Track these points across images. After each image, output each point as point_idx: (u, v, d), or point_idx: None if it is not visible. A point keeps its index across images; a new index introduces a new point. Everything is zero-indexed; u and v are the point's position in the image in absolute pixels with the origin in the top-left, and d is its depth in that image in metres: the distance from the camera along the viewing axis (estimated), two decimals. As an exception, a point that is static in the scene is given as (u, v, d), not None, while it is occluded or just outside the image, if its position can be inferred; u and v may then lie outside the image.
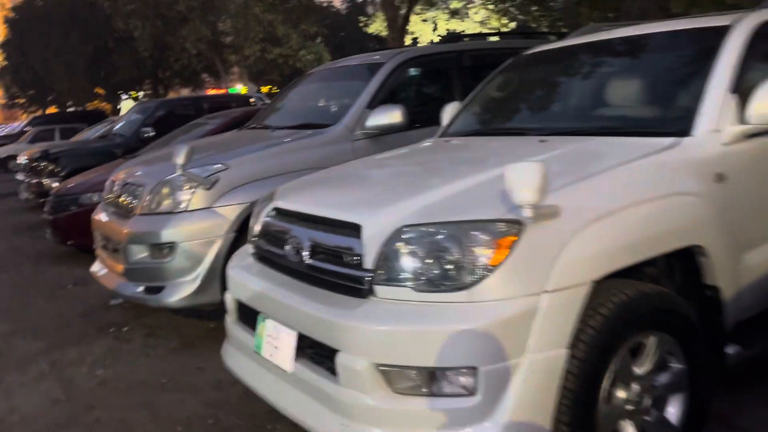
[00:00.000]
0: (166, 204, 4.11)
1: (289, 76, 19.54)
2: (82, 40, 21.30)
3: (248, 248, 3.04)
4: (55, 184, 8.96)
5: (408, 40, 11.59)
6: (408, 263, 2.13)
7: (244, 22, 16.97)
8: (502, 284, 1.98)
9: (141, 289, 4.17)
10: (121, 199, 4.48)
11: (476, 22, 14.22)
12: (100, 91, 28.45)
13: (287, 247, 2.60)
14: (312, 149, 4.45)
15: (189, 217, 4.01)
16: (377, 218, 2.26)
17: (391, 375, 2.06)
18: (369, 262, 2.20)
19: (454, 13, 14.82)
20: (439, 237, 2.11)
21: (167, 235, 3.99)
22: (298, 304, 2.37)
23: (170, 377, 3.79)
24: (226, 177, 4.10)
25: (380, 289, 2.16)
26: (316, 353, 2.31)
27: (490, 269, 1.99)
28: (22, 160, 10.33)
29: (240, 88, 18.06)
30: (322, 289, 2.38)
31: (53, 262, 7.21)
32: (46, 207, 7.28)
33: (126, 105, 36.11)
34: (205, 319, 4.60)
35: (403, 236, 2.16)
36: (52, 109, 32.61)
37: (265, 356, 2.54)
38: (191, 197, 4.03)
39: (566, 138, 2.84)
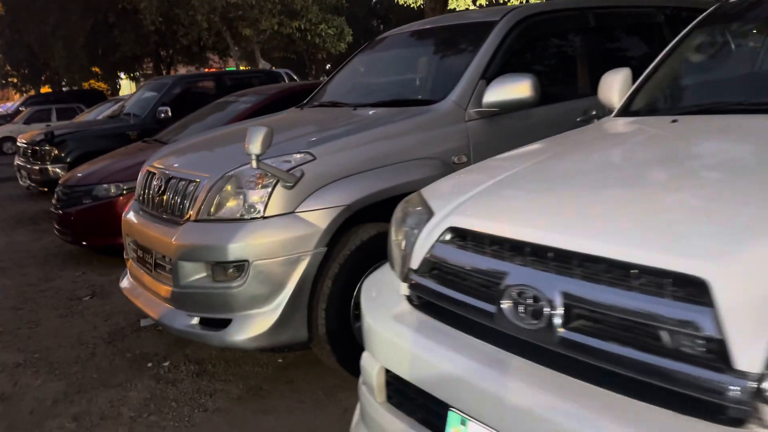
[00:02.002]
0: (233, 207, 3.03)
1: (306, 53, 18.48)
2: (82, 13, 19.93)
3: (396, 285, 1.98)
4: (61, 172, 7.88)
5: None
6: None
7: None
8: None
9: (196, 321, 3.10)
10: (164, 198, 3.38)
11: None
12: (96, 70, 27.10)
13: (505, 304, 1.53)
14: (416, 133, 3.36)
15: (265, 226, 2.93)
16: (747, 270, 1.19)
17: None
18: (743, 356, 1.14)
19: None
20: None
21: (236, 250, 2.91)
22: (572, 421, 1.30)
23: (246, 449, 2.75)
24: (313, 171, 3.02)
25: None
26: None
27: None
28: (21, 142, 9.20)
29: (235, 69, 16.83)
30: (600, 386, 1.31)
31: (63, 263, 6.12)
32: (54, 199, 6.19)
33: (125, 85, 34.78)
34: (270, 351, 3.56)
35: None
36: (45, 89, 31.24)
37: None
38: (268, 198, 2.95)
39: None
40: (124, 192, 5.69)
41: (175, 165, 3.50)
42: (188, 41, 17.84)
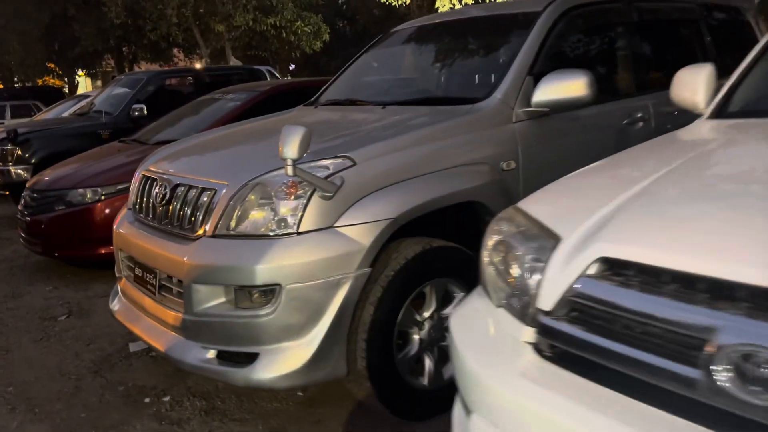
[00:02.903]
0: (259, 221, 2.57)
1: (270, 53, 17.83)
2: (39, 5, 18.87)
3: (509, 327, 1.57)
4: (25, 174, 7.24)
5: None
6: None
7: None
8: None
9: (212, 355, 2.63)
10: (170, 208, 2.89)
11: None
12: (52, 66, 25.93)
13: (722, 371, 1.13)
14: (462, 135, 2.96)
15: (300, 244, 2.48)
16: None
17: None
18: None
19: None
20: None
21: (266, 272, 2.45)
22: None
23: None
24: (353, 178, 2.58)
25: None
26: None
27: None
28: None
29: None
30: None
31: (31, 277, 5.51)
32: (21, 205, 5.59)
33: (82, 82, 33.46)
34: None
35: None
36: (-4, 86, 29.81)
37: None
38: (303, 211, 2.49)
39: None
40: (102, 198, 5.14)
41: (182, 170, 3.00)
42: (156, 36, 17.04)
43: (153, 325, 2.91)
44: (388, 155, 2.71)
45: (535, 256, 1.57)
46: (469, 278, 2.84)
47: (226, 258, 2.54)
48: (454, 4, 11.46)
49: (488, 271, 1.73)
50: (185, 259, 2.62)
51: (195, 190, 2.79)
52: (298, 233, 2.49)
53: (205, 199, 2.72)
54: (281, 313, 2.45)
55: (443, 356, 2.84)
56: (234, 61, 17.20)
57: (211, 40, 18.04)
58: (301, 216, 2.49)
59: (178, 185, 2.89)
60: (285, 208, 2.51)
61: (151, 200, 3.06)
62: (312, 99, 4.23)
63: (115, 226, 3.37)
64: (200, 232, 2.69)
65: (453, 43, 3.71)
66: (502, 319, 1.62)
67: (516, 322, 1.56)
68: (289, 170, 2.38)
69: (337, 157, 2.61)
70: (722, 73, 4.31)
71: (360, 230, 2.53)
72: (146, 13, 16.29)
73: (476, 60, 3.50)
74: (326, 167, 2.57)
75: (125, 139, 6.39)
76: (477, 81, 3.33)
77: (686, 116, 3.84)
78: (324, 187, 2.48)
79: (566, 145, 3.30)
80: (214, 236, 2.63)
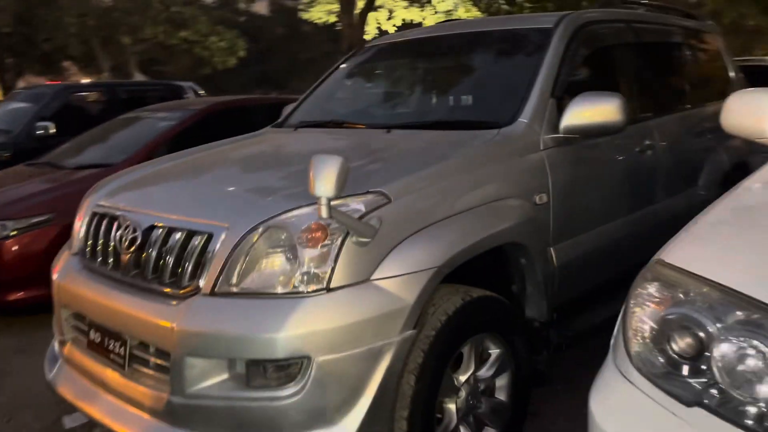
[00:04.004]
0: (276, 273, 2.03)
1: (192, 68, 16.75)
2: None
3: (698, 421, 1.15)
4: None
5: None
6: None
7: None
8: None
9: (212, 449, 2.04)
10: (142, 256, 2.28)
11: (439, 12, 12.46)
12: None
13: None
14: (494, 165, 2.55)
15: (333, 303, 1.97)
16: None
17: None
18: None
19: (414, 0, 12.94)
20: None
21: (292, 342, 1.91)
22: None
23: None
24: (390, 219, 2.10)
25: None
26: None
27: None
28: None
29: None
30: None
31: None
32: None
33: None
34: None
35: None
36: None
37: None
38: (335, 261, 1.98)
39: None
40: (13, 234, 4.32)
41: (157, 206, 2.39)
42: (50, 47, 15.55)
43: (118, 406, 2.26)
44: (423, 190, 2.26)
45: (746, 340, 1.17)
46: (506, 332, 2.45)
47: (234, 323, 1.98)
48: (380, 24, 11.24)
49: (651, 356, 1.31)
50: (174, 325, 2.03)
51: (179, 233, 2.20)
52: (329, 289, 1.97)
53: (196, 245, 2.13)
54: (310, 393, 1.92)
55: (479, 426, 2.40)
56: (138, 76, 16.07)
57: (112, 53, 16.74)
58: (333, 268, 1.97)
59: (153, 227, 2.29)
60: (311, 257, 1.99)
61: (112, 244, 2.42)
62: (279, 120, 3.69)
63: (54, 276, 2.68)
64: (189, 288, 2.11)
65: (454, 60, 3.31)
66: (695, 421, 1.20)
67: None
68: (324, 211, 1.87)
69: (368, 193, 2.12)
70: (708, 96, 4.22)
71: (401, 283, 2.05)
72: (39, 21, 14.84)
73: (486, 79, 3.11)
74: (357, 206, 2.07)
75: (34, 162, 5.52)
76: (493, 103, 2.94)
77: (687, 144, 3.70)
78: (362, 232, 1.99)
79: (592, 176, 2.99)
80: (213, 294, 2.05)
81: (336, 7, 11.66)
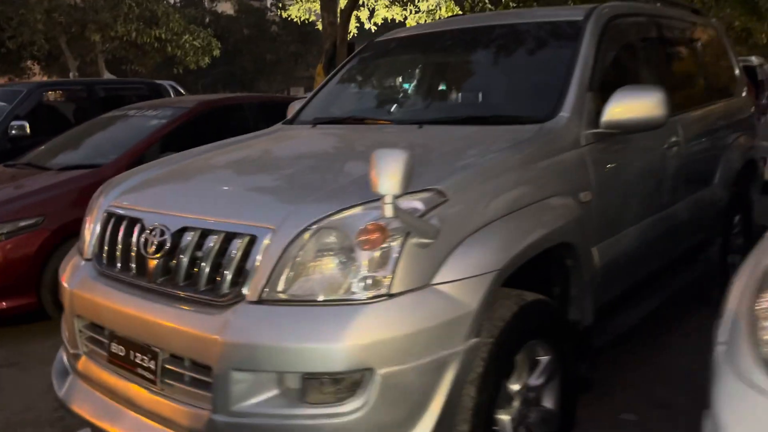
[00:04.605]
0: (331, 278, 1.86)
1: (162, 66, 16.30)
2: None
3: None
4: None
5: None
6: None
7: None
8: None
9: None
10: (173, 261, 2.09)
11: (421, 11, 12.32)
12: None
13: None
14: (542, 161, 2.43)
15: (395, 310, 1.81)
16: None
17: None
18: None
19: None
20: None
21: (354, 353, 1.75)
22: None
23: None
24: (449, 218, 1.96)
25: None
26: None
27: None
28: None
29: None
30: None
31: None
32: None
33: None
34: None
35: None
36: None
37: None
38: (395, 265, 1.83)
39: None
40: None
41: (187, 207, 2.20)
42: (15, 45, 14.95)
43: (148, 425, 2.07)
44: (478, 187, 2.12)
45: None
46: (555, 337, 2.32)
47: (287, 333, 1.81)
48: (362, 23, 11.09)
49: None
50: (218, 336, 1.85)
51: (215, 236, 2.02)
52: (390, 295, 1.82)
53: (236, 249, 1.96)
54: (374, 408, 1.76)
55: (532, 436, 2.28)
56: (108, 75, 15.59)
57: (79, 51, 16.18)
58: (394, 271, 1.82)
59: (184, 229, 2.10)
60: (370, 261, 1.83)
61: (135, 249, 2.22)
62: (290, 117, 3.51)
63: (65, 284, 2.46)
64: (230, 295, 1.93)
65: (481, 53, 3.17)
66: None
67: None
68: (389, 210, 1.72)
69: (425, 190, 1.97)
70: (719, 93, 4.19)
71: (464, 288, 1.91)
72: (4, 18, 14.24)
73: (519, 73, 2.98)
74: (415, 204, 1.91)
75: (13, 163, 5.22)
76: (530, 97, 2.82)
77: (705, 142, 3.65)
78: (425, 232, 1.84)
79: (630, 172, 2.90)
80: (260, 302, 1.88)
81: (316, 5, 11.48)
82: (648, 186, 3.06)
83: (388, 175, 1.71)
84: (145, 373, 2.08)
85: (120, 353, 2.18)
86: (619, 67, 3.13)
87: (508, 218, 2.13)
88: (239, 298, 1.92)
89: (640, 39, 3.36)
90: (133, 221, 2.29)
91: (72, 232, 4.21)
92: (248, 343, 1.82)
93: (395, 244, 1.83)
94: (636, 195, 2.95)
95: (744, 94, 4.60)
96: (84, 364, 2.37)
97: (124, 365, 2.16)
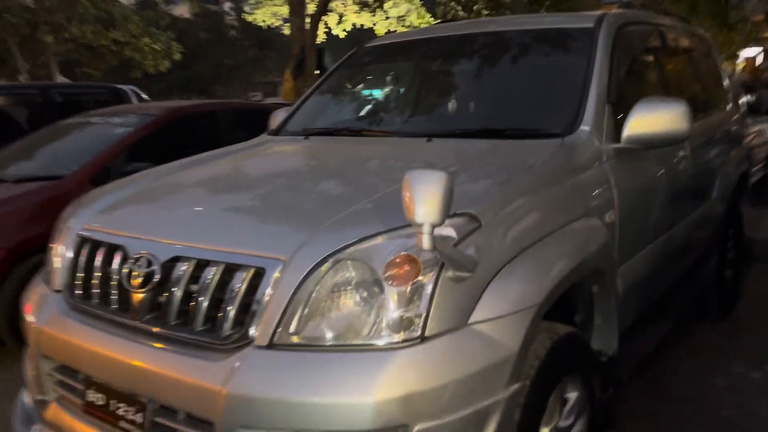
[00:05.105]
0: (352, 319, 1.61)
1: (116, 70, 15.63)
2: None
3: None
4: None
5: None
6: None
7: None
8: None
9: None
10: (163, 295, 1.81)
11: (391, 17, 12.06)
12: None
13: None
14: (566, 180, 2.22)
15: (431, 356, 1.58)
16: None
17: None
18: None
19: (365, 5, 12.44)
20: None
21: (386, 408, 1.51)
22: None
23: None
24: (484, 246, 1.73)
25: None
26: None
27: None
28: None
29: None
30: None
31: None
32: None
33: None
34: None
35: None
36: None
37: None
38: (429, 303, 1.59)
39: None
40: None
41: (179, 232, 1.91)
42: (-40, 46, 14.16)
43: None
44: (511, 211, 1.90)
45: None
46: (585, 372, 2.12)
47: (308, 386, 1.55)
48: (330, 28, 10.82)
49: None
50: (222, 387, 1.58)
51: (214, 267, 1.75)
52: (424, 338, 1.58)
53: (240, 283, 1.69)
54: (408, 472, 1.52)
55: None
56: (61, 79, 14.92)
57: (30, 53, 15.42)
58: (428, 310, 1.58)
59: (176, 259, 1.82)
60: (400, 298, 1.59)
61: (115, 281, 1.93)
62: (275, 128, 3.24)
63: (30, 318, 2.15)
64: (234, 338, 1.66)
65: (488, 61, 2.95)
66: None
67: None
68: (426, 242, 1.48)
69: (456, 215, 1.73)
70: (714, 104, 4.09)
71: (504, 326, 1.69)
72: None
73: (531, 83, 2.78)
74: (448, 233, 1.68)
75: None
76: (545, 109, 2.62)
77: (706, 154, 3.54)
78: (463, 265, 1.61)
79: (646, 189, 2.73)
80: (271, 346, 1.62)
81: (282, 9, 11.17)
82: (662, 202, 2.90)
83: (425, 200, 1.47)
84: (130, 427, 1.79)
85: (98, 402, 1.89)
86: (630, 77, 2.96)
87: (540, 245, 1.92)
88: (245, 341, 1.65)
89: (646, 48, 3.21)
90: (112, 248, 1.99)
91: (29, 251, 3.86)
92: (261, 397, 1.56)
93: (428, 278, 1.59)
94: (652, 212, 2.79)
95: (730, 106, 4.53)
96: (53, 413, 2.06)
97: (104, 416, 1.87)
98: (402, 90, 3.20)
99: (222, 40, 35.70)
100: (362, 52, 3.43)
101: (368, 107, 3.16)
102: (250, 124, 5.45)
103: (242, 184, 2.35)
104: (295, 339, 1.61)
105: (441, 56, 3.09)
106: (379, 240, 1.64)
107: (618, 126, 2.48)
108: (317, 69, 9.39)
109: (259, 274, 1.68)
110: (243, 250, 1.74)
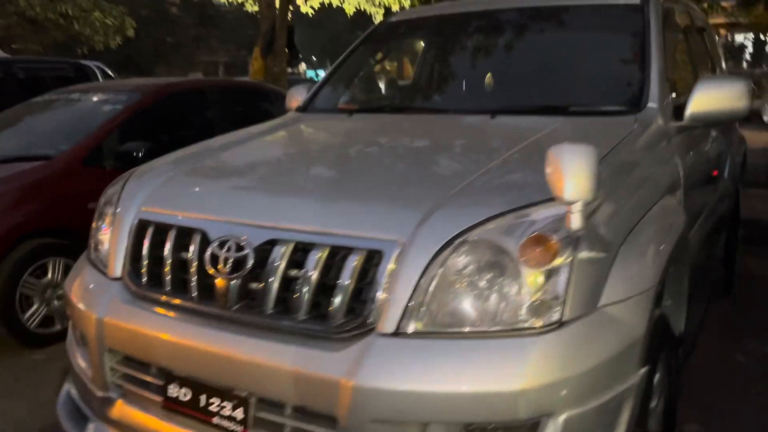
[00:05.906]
0: (487, 302, 1.51)
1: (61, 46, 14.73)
2: None
3: None
4: None
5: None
6: None
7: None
8: None
9: None
10: (257, 283, 1.67)
11: None
12: None
13: None
14: (647, 157, 2.18)
15: (572, 341, 1.50)
16: None
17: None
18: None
19: None
20: None
21: (530, 397, 1.42)
22: None
23: None
24: (605, 226, 1.66)
25: None
26: None
27: None
28: None
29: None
30: None
31: None
32: None
33: None
34: None
35: None
36: None
37: None
38: (567, 285, 1.51)
39: None
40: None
41: (273, 212, 1.76)
42: None
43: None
44: (614, 191, 1.83)
45: None
46: (667, 351, 2.09)
47: (445, 375, 1.44)
48: (299, 5, 10.51)
49: None
50: (347, 379, 1.46)
51: (318, 251, 1.61)
52: (562, 323, 1.49)
53: (352, 267, 1.57)
54: (552, 463, 1.44)
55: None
56: (2, 54, 14.00)
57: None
58: (566, 294, 1.50)
59: (271, 243, 1.67)
60: (536, 281, 1.50)
61: (193, 266, 1.77)
62: (302, 104, 3.07)
63: (88, 310, 1.96)
64: (349, 325, 1.54)
65: (541, 37, 2.86)
66: None
67: None
68: (576, 220, 1.40)
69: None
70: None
71: (631, 308, 1.63)
72: None
73: (591, 60, 2.70)
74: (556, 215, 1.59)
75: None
76: (610, 86, 2.57)
77: (721, 136, 3.57)
78: (601, 244, 1.53)
79: (699, 169, 2.72)
80: (397, 334, 1.50)
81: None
82: (705, 181, 2.92)
83: (575, 176, 1.38)
84: (228, 424, 1.65)
85: (183, 398, 1.73)
86: (676, 55, 2.94)
87: (643, 224, 1.86)
88: (362, 329, 1.53)
89: (682, 27, 3.19)
90: (186, 231, 1.83)
91: (23, 236, 3.59)
92: (395, 389, 1.44)
93: (565, 260, 1.51)
94: (700, 191, 2.79)
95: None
96: (120, 410, 1.88)
97: (192, 413, 1.72)
98: (451, 67, 3.08)
99: (163, 19, 34.43)
100: (389, 27, 3.29)
101: (419, 84, 3.03)
102: (238, 102, 5.26)
103: (318, 161, 2.19)
104: (424, 326, 1.50)
105: (489, 32, 2.98)
106: (509, 219, 1.54)
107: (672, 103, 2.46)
108: (287, 47, 9.13)
109: (371, 257, 1.56)
110: (352, 231, 1.61)
